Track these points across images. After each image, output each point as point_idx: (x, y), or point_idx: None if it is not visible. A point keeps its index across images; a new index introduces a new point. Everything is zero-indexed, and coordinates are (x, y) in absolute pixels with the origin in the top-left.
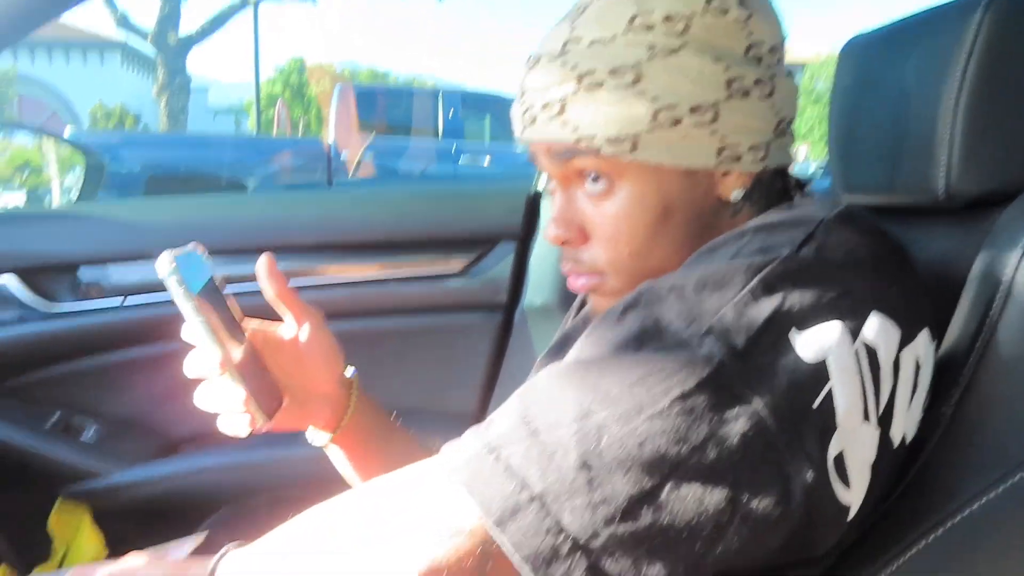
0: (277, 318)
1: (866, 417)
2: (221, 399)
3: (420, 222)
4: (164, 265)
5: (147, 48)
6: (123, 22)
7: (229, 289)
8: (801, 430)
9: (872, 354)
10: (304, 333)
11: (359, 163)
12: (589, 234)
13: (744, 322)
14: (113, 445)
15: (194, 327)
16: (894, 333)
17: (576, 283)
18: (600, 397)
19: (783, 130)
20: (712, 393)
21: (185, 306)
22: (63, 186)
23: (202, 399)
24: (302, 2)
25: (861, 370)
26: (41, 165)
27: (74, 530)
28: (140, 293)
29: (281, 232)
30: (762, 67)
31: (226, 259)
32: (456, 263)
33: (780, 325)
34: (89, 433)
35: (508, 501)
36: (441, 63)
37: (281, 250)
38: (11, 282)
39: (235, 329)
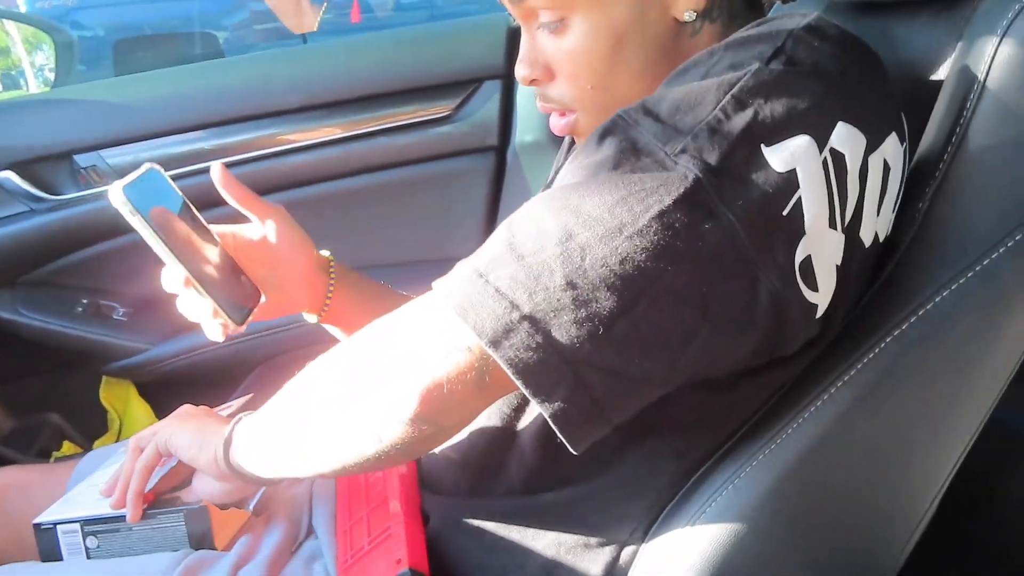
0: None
1: (832, 224)
2: (194, 310)
3: (401, 70)
4: (116, 197)
5: None
6: None
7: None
8: (771, 239)
9: (839, 162)
10: (270, 231)
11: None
12: (554, 71)
13: (717, 139)
14: (145, 322)
15: (156, 248)
16: (860, 140)
17: (556, 124)
18: (582, 219)
19: None
20: (688, 209)
21: (144, 231)
22: (35, 66)
23: (182, 310)
24: None
25: (828, 178)
26: (6, 47)
27: (124, 403)
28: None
29: (262, 97)
30: None
31: (212, 131)
32: (443, 108)
33: (752, 139)
34: (119, 313)
35: (500, 321)
36: None
37: (265, 116)
38: (12, 177)
39: (206, 238)
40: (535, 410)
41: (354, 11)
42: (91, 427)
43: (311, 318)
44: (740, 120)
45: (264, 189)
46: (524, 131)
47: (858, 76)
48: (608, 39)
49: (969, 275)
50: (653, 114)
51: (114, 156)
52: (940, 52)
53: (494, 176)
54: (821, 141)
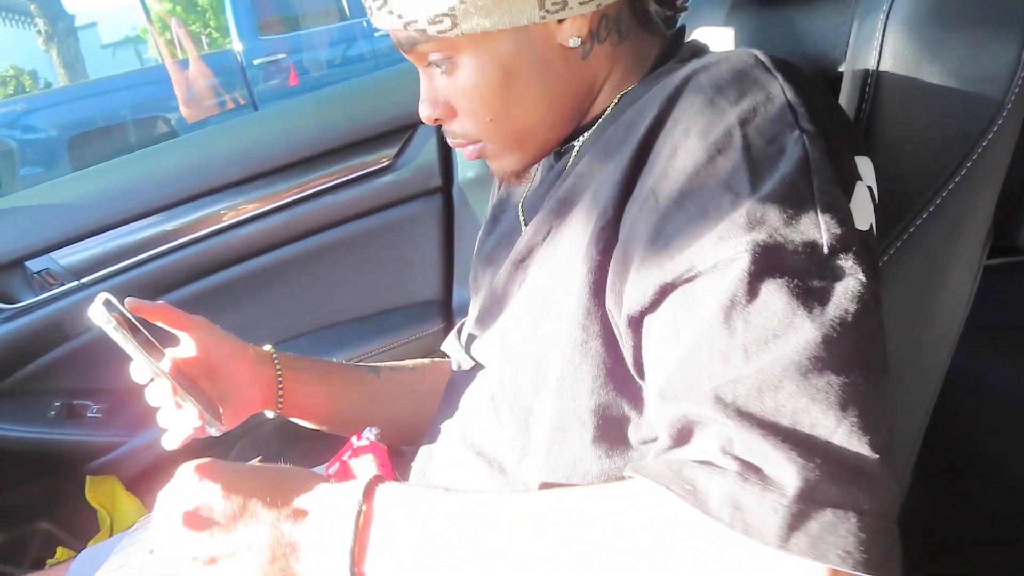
0: None
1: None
2: (178, 419)
3: (338, 126)
4: (99, 316)
5: None
6: None
7: None
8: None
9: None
10: (199, 346)
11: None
12: (454, 108)
13: (838, 219)
14: (119, 416)
15: (139, 361)
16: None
17: (467, 152)
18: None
19: None
20: (874, 300)
21: (127, 345)
22: None
23: (164, 423)
24: None
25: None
26: None
27: (112, 499)
28: (92, 271)
29: (206, 174)
30: None
31: (160, 217)
32: (383, 157)
33: (845, 198)
34: (93, 411)
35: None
36: None
37: (210, 192)
38: None
39: (158, 355)
40: None
41: (291, 75)
42: (82, 529)
43: (270, 413)
44: (837, 195)
45: (219, 265)
46: (465, 168)
47: (838, 107)
48: (496, 73)
49: (900, 242)
50: (785, 248)
51: (64, 256)
52: (838, 39)
53: (443, 216)
54: (864, 179)
